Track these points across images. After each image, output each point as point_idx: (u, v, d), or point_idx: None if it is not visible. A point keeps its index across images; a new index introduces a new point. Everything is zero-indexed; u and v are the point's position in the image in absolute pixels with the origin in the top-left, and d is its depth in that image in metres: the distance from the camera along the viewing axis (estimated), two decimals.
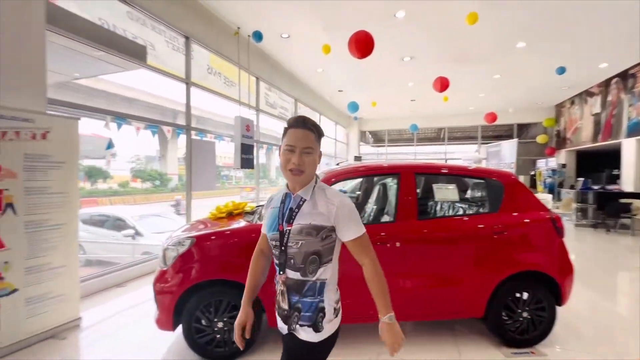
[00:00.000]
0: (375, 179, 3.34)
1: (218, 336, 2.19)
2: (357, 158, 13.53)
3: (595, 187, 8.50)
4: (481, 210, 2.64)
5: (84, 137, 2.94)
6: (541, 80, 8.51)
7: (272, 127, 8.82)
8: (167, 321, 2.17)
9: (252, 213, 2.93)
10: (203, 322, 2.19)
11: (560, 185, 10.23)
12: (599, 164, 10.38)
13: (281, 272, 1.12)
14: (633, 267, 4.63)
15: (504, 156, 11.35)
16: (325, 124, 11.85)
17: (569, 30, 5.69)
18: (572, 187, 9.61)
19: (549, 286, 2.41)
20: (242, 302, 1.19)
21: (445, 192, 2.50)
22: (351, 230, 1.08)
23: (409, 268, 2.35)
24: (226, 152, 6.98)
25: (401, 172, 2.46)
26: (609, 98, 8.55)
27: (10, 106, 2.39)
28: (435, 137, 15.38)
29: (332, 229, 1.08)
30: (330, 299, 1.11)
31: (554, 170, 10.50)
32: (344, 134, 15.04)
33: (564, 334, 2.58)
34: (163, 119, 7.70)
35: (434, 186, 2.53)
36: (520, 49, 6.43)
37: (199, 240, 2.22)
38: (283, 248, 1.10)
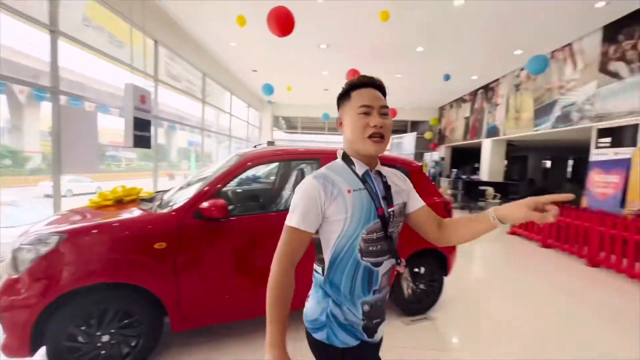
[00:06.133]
0: (293, 164, 3.26)
1: (103, 352, 1.77)
2: (270, 143, 13.21)
3: (464, 177, 10.53)
4: None
5: None
6: (430, 84, 9.88)
7: (174, 104, 7.71)
8: (22, 345, 1.63)
9: (149, 200, 2.46)
10: (80, 339, 1.73)
11: (440, 174, 12.28)
12: (467, 158, 12.87)
13: (399, 262, 0.92)
14: (486, 238, 5.93)
15: (405, 147, 13.01)
16: (237, 105, 11.10)
17: (455, 45, 6.71)
18: (448, 176, 11.65)
19: (438, 260, 2.81)
20: (276, 343, 0.79)
21: None
22: (419, 197, 1.01)
23: None
24: (115, 128, 5.77)
25: (322, 158, 2.43)
26: (476, 105, 10.60)
27: None
28: None
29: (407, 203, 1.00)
30: None
31: (436, 162, 12.52)
32: (257, 118, 14.46)
33: (446, 299, 3.08)
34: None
35: None
36: (419, 52, 7.26)
37: (72, 236, 1.72)
38: (389, 234, 0.91)
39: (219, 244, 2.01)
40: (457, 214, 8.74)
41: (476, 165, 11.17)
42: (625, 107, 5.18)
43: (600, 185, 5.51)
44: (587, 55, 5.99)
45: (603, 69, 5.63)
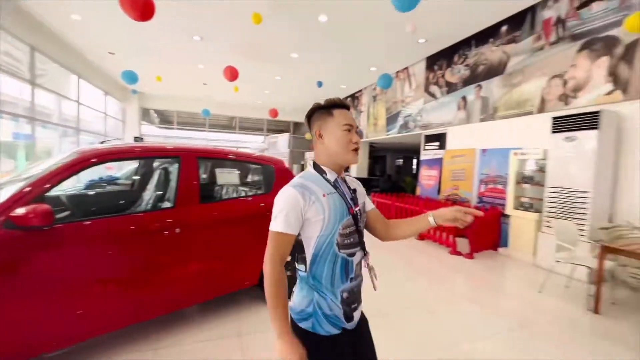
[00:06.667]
0: (156, 163, 3.02)
1: None
2: (138, 139, 11.50)
3: None
4: (258, 192, 3.02)
5: None
6: (307, 89, 10.67)
7: None
8: None
9: None
10: None
11: None
12: None
13: (365, 253, 1.11)
14: None
15: (280, 147, 13.65)
16: (88, 92, 9.16)
17: (324, 56, 7.51)
18: None
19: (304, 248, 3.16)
20: (284, 331, 0.92)
21: (227, 176, 2.66)
22: (370, 201, 1.23)
23: (192, 252, 2.34)
24: None
25: (182, 156, 2.37)
26: None
27: None
28: (228, 125, 15.76)
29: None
30: None
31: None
32: (119, 109, 12.29)
33: None
34: None
35: (217, 170, 2.62)
36: (294, 58, 7.77)
37: None
38: (359, 229, 1.09)
39: (47, 256, 1.71)
40: None
41: None
42: (439, 120, 7.01)
43: (426, 178, 7.28)
44: (418, 77, 7.77)
45: (426, 89, 7.44)
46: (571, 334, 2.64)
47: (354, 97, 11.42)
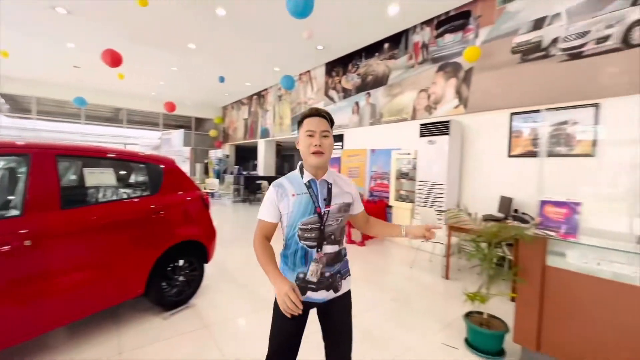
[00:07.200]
0: None
1: None
2: None
3: (244, 173, 11.62)
4: (142, 193, 2.74)
5: None
6: (209, 83, 10.08)
7: None
8: None
9: None
10: None
11: (225, 171, 12.87)
12: (248, 156, 14.23)
13: (318, 250, 1.24)
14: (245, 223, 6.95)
15: (174, 144, 12.51)
16: None
17: (225, 51, 7.23)
18: (231, 173, 12.43)
19: (198, 250, 3.03)
20: (278, 277, 1.10)
21: (99, 177, 2.34)
22: (360, 204, 1.41)
23: (51, 267, 1.98)
24: None
25: (33, 154, 1.97)
26: (252, 109, 11.95)
27: None
28: (113, 117, 13.52)
29: (351, 204, 1.35)
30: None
31: (220, 159, 12.99)
32: None
33: (208, 284, 3.39)
34: None
35: (85, 170, 2.28)
36: (192, 49, 7.24)
37: None
38: (322, 227, 1.24)
39: None
40: (240, 206, 9.57)
41: (255, 162, 12.63)
42: (337, 122, 7.65)
43: None
44: (319, 81, 8.28)
45: (326, 93, 8.00)
46: (430, 297, 3.32)
47: (260, 95, 11.34)
